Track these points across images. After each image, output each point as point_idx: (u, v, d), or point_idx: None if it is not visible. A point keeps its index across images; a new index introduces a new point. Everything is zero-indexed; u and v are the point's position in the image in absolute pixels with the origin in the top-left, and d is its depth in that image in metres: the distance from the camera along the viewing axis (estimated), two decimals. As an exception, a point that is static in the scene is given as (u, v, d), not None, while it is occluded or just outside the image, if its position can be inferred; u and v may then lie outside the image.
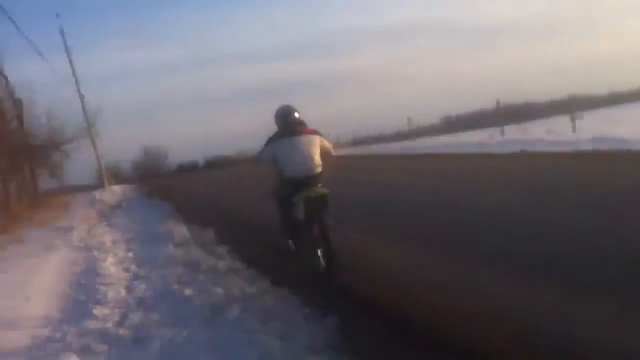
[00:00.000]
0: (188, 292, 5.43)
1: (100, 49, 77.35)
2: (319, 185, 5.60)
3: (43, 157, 17.75)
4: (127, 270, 7.17)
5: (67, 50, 24.94)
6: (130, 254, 8.21)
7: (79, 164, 25.55)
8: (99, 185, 28.35)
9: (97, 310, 5.41)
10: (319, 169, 5.69)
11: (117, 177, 32.61)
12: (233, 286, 5.42)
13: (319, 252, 5.49)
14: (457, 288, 4.59)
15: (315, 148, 5.70)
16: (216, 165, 44.56)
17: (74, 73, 25.13)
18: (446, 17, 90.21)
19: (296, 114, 5.91)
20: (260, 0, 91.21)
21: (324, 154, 5.81)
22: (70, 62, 24.95)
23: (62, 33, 25.10)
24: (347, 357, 3.55)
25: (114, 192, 22.10)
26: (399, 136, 31.46)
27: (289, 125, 5.81)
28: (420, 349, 3.65)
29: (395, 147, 20.30)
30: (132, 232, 10.47)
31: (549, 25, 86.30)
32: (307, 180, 5.56)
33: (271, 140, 5.89)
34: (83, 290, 6.32)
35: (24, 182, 17.03)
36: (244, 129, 76.74)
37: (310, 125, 5.93)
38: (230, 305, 4.78)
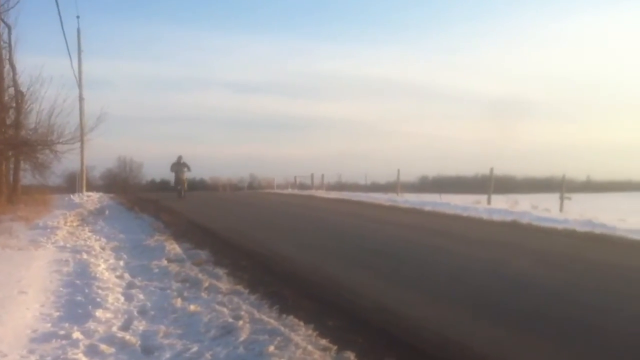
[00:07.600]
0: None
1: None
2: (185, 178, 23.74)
3: (32, 153, 17.32)
4: (121, 277, 7.05)
5: (79, 52, 24.71)
6: (121, 262, 8.07)
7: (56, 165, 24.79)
8: (70, 188, 27.74)
9: (99, 313, 5.31)
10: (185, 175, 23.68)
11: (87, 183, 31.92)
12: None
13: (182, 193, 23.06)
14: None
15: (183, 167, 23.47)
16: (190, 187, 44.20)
17: (80, 75, 24.75)
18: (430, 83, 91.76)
19: (182, 159, 23.53)
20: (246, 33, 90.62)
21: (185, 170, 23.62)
22: (80, 64, 24.65)
23: (79, 34, 24.99)
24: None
25: (91, 198, 21.69)
26: (381, 187, 31.78)
27: (179, 160, 23.34)
28: None
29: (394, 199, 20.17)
30: (118, 241, 10.27)
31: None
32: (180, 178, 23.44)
33: (173, 164, 23.49)
34: (79, 292, 6.19)
35: (7, 175, 16.61)
36: (220, 155, 76.81)
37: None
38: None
